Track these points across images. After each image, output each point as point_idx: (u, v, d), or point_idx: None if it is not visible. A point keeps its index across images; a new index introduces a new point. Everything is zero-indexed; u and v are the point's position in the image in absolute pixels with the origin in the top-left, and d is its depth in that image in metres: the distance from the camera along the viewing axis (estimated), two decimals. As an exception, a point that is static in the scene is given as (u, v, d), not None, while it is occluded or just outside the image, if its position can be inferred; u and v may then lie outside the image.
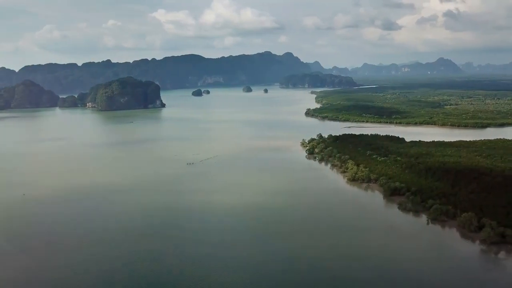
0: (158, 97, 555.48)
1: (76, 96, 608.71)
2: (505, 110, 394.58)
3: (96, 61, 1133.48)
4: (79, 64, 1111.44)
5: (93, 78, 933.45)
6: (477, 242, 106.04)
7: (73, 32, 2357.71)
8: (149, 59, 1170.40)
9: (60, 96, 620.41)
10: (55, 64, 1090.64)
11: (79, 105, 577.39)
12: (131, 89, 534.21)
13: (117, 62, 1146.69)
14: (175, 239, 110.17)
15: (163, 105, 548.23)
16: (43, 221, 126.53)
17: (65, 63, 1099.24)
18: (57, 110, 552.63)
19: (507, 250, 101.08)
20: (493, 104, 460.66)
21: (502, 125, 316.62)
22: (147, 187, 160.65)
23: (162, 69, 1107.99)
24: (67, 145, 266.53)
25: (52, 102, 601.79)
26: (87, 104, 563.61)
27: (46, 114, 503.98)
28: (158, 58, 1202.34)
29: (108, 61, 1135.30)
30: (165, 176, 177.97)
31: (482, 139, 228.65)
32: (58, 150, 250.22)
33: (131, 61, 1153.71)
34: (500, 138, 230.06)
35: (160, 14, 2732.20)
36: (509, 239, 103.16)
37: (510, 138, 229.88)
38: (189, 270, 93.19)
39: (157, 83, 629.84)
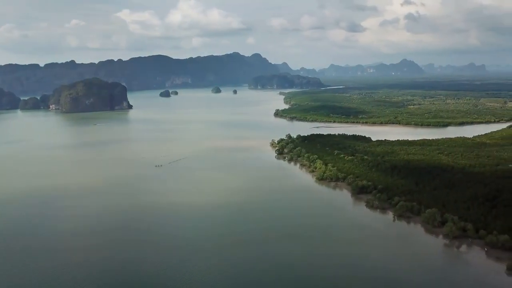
0: (125, 98, 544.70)
1: (38, 98, 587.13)
2: (464, 110, 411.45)
3: (59, 61, 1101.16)
4: (41, 64, 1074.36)
5: (57, 79, 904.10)
6: (440, 236, 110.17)
7: (34, 32, 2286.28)
8: (115, 59, 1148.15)
9: (22, 98, 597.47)
10: (16, 64, 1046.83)
11: (42, 107, 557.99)
12: (96, 91, 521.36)
13: (82, 63, 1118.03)
14: (142, 243, 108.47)
15: (130, 107, 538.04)
16: None
17: (27, 64, 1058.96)
18: (18, 113, 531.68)
19: (468, 244, 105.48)
20: (453, 103, 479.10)
21: (462, 123, 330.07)
22: (112, 191, 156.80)
23: (129, 70, 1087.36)
24: (28, 148, 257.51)
25: (13, 104, 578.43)
26: (50, 106, 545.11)
27: (6, 117, 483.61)
28: (125, 58, 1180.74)
29: (72, 61, 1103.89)
30: (132, 179, 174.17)
31: (444, 137, 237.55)
32: (18, 152, 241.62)
33: (96, 62, 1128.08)
34: (460, 136, 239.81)
35: (125, 14, 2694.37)
36: (470, 233, 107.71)
37: (469, 136, 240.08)
38: (157, 273, 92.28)
39: (123, 84, 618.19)
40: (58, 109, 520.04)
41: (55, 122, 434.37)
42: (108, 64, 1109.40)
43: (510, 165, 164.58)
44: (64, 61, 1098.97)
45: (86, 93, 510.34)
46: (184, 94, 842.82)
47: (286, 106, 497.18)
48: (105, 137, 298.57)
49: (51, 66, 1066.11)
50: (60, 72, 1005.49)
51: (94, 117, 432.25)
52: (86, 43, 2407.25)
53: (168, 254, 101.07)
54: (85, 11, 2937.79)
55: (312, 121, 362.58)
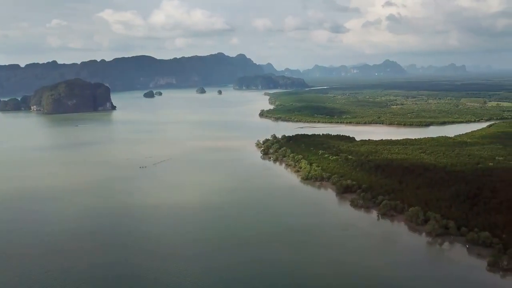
0: (108, 99, 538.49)
1: (19, 99, 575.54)
2: (446, 109, 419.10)
3: (40, 62, 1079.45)
4: (22, 65, 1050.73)
5: (38, 80, 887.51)
6: (423, 234, 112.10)
7: (14, 32, 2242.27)
8: (98, 60, 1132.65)
9: (1, 99, 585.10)
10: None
11: (23, 109, 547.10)
12: (79, 91, 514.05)
13: (64, 63, 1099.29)
14: (124, 247, 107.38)
15: (113, 108, 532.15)
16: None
17: (7, 64, 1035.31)
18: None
19: (450, 241, 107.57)
20: (435, 103, 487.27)
21: (443, 123, 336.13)
22: (94, 193, 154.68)
23: (112, 70, 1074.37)
24: (7, 150, 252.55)
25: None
26: (32, 107, 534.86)
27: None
28: (108, 59, 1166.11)
29: (54, 62, 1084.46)
30: (114, 181, 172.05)
31: (426, 137, 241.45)
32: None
33: (78, 62, 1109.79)
34: (442, 136, 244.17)
35: (108, 14, 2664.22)
36: (452, 231, 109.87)
37: (451, 136, 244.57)
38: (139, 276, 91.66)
39: (107, 85, 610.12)
40: (40, 110, 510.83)
41: (36, 123, 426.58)
42: (91, 64, 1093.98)
43: (490, 164, 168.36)
44: (45, 62, 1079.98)
45: (68, 94, 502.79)
46: (169, 95, 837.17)
47: (271, 107, 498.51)
48: (87, 139, 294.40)
49: (32, 66, 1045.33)
50: (41, 73, 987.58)
51: (77, 118, 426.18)
52: (68, 43, 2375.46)
53: (151, 259, 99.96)
54: (66, 11, 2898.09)
55: (296, 121, 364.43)
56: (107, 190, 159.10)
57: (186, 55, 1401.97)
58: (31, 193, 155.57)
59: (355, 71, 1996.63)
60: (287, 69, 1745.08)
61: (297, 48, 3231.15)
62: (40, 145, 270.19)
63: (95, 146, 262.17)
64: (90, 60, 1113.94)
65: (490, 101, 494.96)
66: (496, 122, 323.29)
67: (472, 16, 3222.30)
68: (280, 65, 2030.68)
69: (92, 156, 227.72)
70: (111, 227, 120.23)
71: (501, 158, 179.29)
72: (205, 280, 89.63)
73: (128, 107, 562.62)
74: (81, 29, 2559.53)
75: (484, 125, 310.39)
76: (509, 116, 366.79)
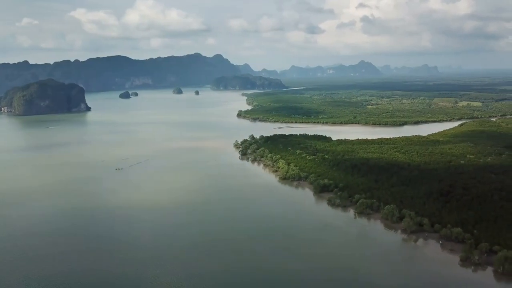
0: (83, 100, 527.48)
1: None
2: (419, 109, 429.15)
3: (11, 62, 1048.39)
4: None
5: (9, 80, 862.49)
6: (399, 231, 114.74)
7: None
8: (72, 60, 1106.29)
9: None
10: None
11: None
12: (52, 92, 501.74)
13: (36, 63, 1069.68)
14: (98, 251, 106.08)
15: (88, 109, 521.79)
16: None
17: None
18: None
19: (424, 238, 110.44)
20: (409, 103, 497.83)
21: (417, 122, 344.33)
22: (66, 196, 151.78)
23: (86, 71, 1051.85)
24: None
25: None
26: (2, 108, 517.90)
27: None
28: (82, 59, 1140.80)
29: (25, 62, 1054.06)
30: (91, 184, 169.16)
31: (401, 136, 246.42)
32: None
33: (51, 63, 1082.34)
34: (415, 135, 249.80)
35: (80, 13, 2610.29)
36: (426, 227, 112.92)
37: (424, 135, 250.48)
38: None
39: (81, 85, 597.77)
40: (11, 111, 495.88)
41: (5, 125, 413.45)
42: (64, 64, 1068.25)
43: (461, 162, 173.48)
44: (16, 62, 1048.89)
45: (41, 95, 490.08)
46: (145, 95, 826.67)
47: (249, 107, 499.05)
48: (60, 140, 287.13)
49: (2, 66, 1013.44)
50: (12, 73, 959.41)
51: (49, 120, 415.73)
52: (40, 43, 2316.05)
53: (128, 263, 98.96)
54: (37, 10, 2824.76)
55: (274, 121, 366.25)
56: (82, 193, 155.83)
57: (162, 56, 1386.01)
58: None
59: (331, 72, 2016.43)
60: (264, 70, 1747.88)
61: (274, 48, 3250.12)
62: (8, 147, 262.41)
63: (69, 148, 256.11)
64: (64, 60, 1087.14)
65: (461, 101, 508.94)
66: (467, 121, 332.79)
67: (442, 18, 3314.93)
68: (257, 65, 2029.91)
69: (65, 159, 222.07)
70: (86, 231, 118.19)
71: (471, 156, 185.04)
72: (182, 285, 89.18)
73: (103, 108, 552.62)
74: (53, 29, 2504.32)
75: (455, 124, 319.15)
76: (479, 116, 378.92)
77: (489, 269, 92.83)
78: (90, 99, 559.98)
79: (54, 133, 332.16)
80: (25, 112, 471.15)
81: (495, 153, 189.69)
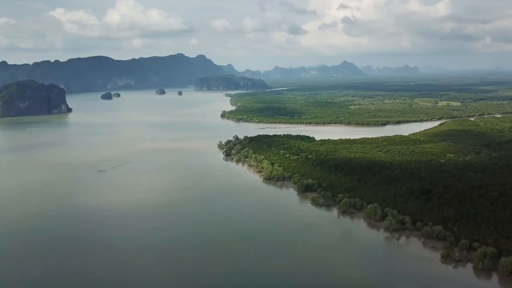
0: (64, 101, 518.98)
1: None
2: (400, 109, 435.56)
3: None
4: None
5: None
6: (382, 230, 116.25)
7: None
8: (52, 60, 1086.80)
9: None
10: None
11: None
12: (32, 93, 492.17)
13: (15, 64, 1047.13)
14: (82, 254, 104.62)
15: (69, 110, 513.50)
16: None
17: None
18: None
19: (406, 236, 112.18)
20: (390, 103, 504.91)
21: (398, 122, 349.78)
22: (51, 199, 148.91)
23: (67, 71, 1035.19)
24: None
25: None
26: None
27: None
28: (62, 59, 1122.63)
29: (4, 62, 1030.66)
30: (73, 186, 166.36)
31: (383, 135, 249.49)
32: None
33: (30, 63, 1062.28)
34: (397, 134, 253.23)
35: (59, 13, 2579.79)
36: (408, 225, 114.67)
37: (405, 134, 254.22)
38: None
39: (61, 86, 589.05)
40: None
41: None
42: (44, 65, 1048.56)
43: (442, 160, 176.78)
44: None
45: (20, 96, 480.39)
46: (127, 96, 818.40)
47: (233, 108, 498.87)
48: (38, 142, 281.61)
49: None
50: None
51: (29, 122, 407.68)
52: (18, 43, 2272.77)
53: (107, 266, 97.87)
54: (14, 9, 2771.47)
55: (258, 122, 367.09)
56: (61, 195, 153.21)
57: (145, 56, 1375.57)
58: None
59: (314, 72, 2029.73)
60: (247, 70, 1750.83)
61: (257, 49, 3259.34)
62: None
63: (49, 150, 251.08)
64: (43, 61, 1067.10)
65: (440, 101, 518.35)
66: (447, 120, 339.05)
67: (422, 19, 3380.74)
68: (240, 66, 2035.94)
69: (45, 160, 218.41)
70: (65, 233, 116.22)
71: (451, 155, 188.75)
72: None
73: (84, 109, 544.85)
74: (32, 28, 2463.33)
75: (435, 123, 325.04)
76: (458, 115, 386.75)
77: (469, 266, 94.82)
78: (71, 100, 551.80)
79: (33, 135, 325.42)
80: (3, 113, 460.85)
81: (474, 152, 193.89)
